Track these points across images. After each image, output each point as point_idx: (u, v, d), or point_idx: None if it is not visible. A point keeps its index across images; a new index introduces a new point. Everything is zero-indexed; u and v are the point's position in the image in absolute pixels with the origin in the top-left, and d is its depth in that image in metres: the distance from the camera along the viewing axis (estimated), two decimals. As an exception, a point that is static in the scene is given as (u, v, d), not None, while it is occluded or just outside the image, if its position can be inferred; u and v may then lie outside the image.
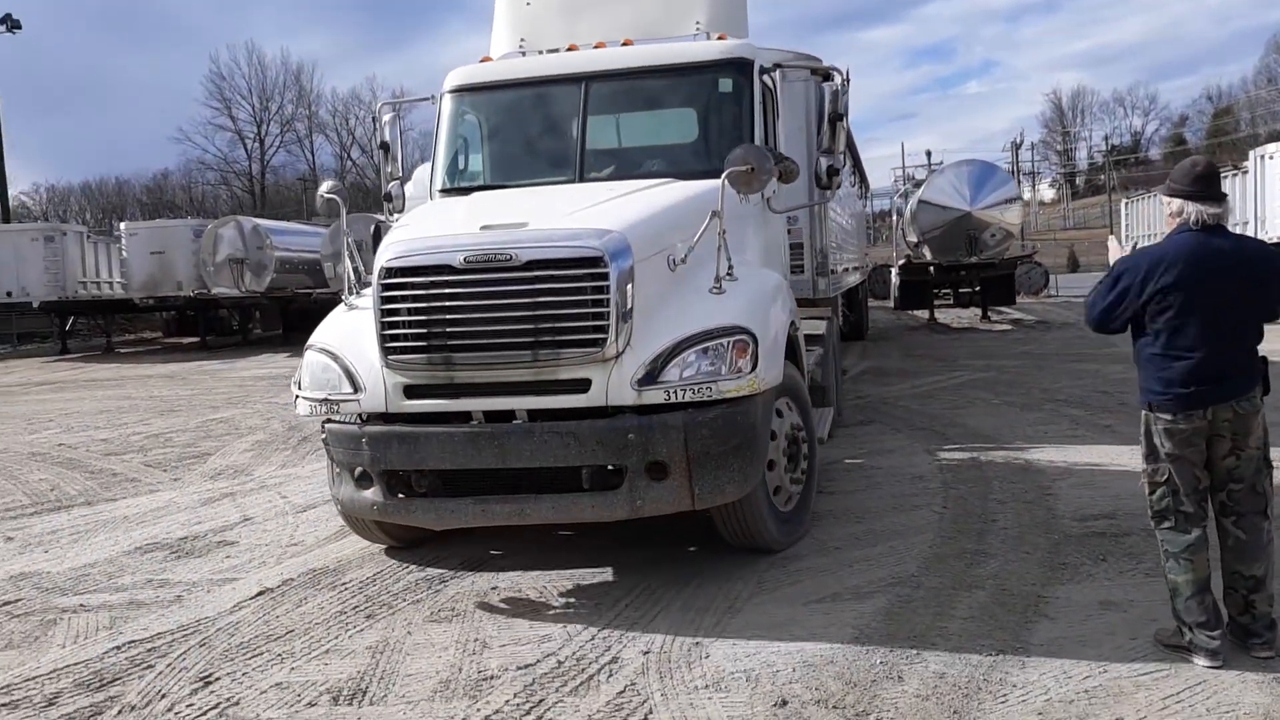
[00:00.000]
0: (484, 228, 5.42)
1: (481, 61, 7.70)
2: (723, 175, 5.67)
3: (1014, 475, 7.81)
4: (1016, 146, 74.59)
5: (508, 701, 4.19)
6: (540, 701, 4.18)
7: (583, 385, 5.24)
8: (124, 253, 27.38)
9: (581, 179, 6.76)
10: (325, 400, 5.62)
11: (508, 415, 5.32)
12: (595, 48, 7.38)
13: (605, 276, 5.14)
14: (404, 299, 5.31)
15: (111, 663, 4.85)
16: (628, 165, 7.00)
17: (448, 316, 5.24)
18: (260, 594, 5.78)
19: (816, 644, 4.61)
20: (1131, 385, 12.10)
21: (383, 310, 5.33)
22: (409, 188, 7.85)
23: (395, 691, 4.36)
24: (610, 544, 6.33)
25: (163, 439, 11.80)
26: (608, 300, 5.14)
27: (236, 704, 4.32)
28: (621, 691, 4.22)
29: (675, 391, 5.19)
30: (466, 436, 5.27)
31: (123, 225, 29.91)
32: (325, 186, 6.55)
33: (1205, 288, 4.13)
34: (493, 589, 5.65)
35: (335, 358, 5.66)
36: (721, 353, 5.27)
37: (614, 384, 5.20)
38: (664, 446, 5.12)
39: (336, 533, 7.04)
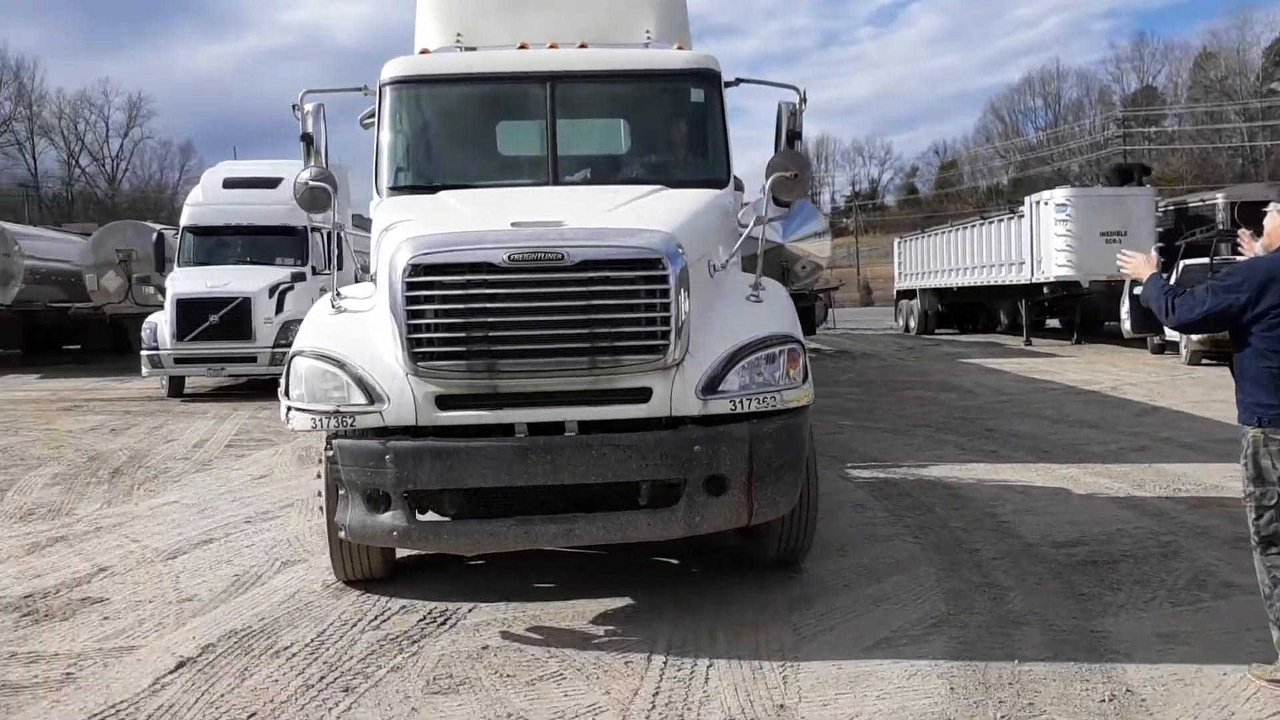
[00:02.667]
0: (515, 224, 4.92)
1: (421, 54, 6.95)
2: (767, 180, 5.52)
3: (949, 500, 7.63)
4: (773, 188, 78.23)
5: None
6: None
7: (643, 394, 4.87)
8: None
9: (556, 182, 6.29)
10: (335, 413, 4.86)
11: (553, 427, 4.84)
12: (550, 48, 6.78)
13: (665, 279, 4.79)
14: (435, 299, 4.73)
15: (18, 775, 3.60)
16: (603, 170, 6.69)
17: (490, 320, 4.72)
18: (181, 666, 4.57)
19: (919, 701, 4.06)
20: (984, 412, 12.52)
21: (409, 312, 4.72)
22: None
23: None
24: (573, 571, 5.62)
25: (-74, 473, 9.73)
26: (669, 304, 4.78)
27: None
28: (742, 772, 3.50)
29: (741, 401, 4.92)
30: (515, 451, 4.73)
31: None
32: (309, 173, 5.54)
33: None
34: (483, 649, 4.72)
35: (340, 364, 4.92)
36: (777, 361, 5.06)
37: (677, 393, 4.87)
38: (728, 459, 4.81)
39: (232, 584, 5.85)
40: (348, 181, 20.68)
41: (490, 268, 4.69)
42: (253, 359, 15.93)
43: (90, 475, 9.48)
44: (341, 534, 5.04)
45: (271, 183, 17.78)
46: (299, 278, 16.64)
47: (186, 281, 16.13)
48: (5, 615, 5.36)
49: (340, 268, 18.87)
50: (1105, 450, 9.77)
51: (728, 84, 6.79)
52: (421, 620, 5.11)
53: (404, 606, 5.32)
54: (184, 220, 17.36)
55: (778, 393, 4.99)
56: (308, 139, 6.43)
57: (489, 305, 4.72)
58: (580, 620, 5.09)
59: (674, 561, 6.16)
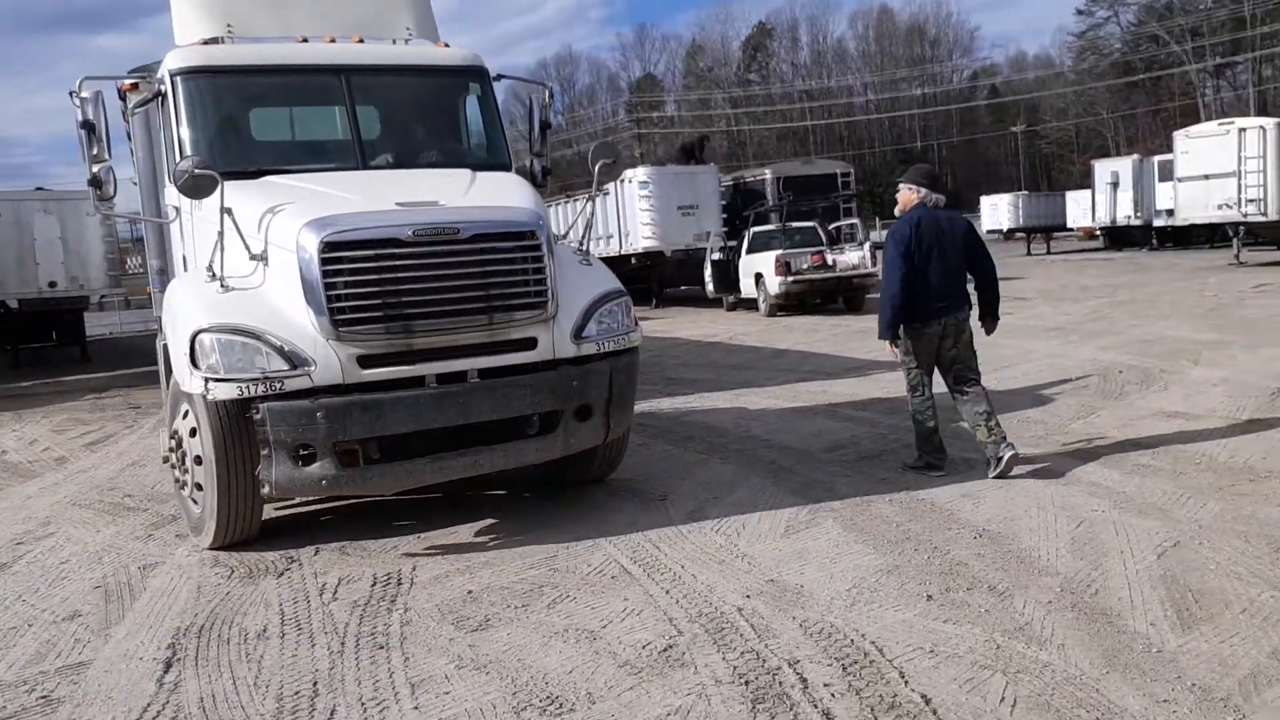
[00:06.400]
0: (401, 205, 5.72)
1: (205, 43, 7.01)
2: (595, 165, 6.74)
3: (707, 431, 8.74)
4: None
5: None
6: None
7: (530, 343, 5.86)
8: None
9: (364, 166, 6.82)
10: (263, 379, 5.30)
11: (458, 376, 5.64)
12: (329, 41, 7.20)
13: (539, 247, 5.83)
14: (348, 272, 5.42)
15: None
16: (404, 156, 7.20)
17: (402, 287, 5.49)
18: (170, 667, 4.31)
19: (864, 559, 5.11)
20: (648, 365, 13.85)
21: (326, 285, 5.39)
22: None
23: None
24: (423, 514, 6.07)
25: None
26: (543, 267, 5.83)
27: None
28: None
29: (603, 343, 6.09)
30: (432, 398, 5.51)
31: None
32: (190, 161, 5.70)
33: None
34: (469, 593, 4.98)
35: (258, 336, 5.40)
36: (619, 311, 6.28)
37: (557, 340, 5.94)
38: (595, 390, 5.93)
39: (106, 597, 5.36)
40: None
41: (397, 243, 5.47)
42: None
43: None
44: (265, 490, 5.50)
45: None
46: None
47: None
48: None
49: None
50: (776, 382, 11.54)
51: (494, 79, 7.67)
52: (375, 585, 5.19)
53: (340, 579, 5.32)
54: None
55: (625, 335, 6.23)
56: (89, 126, 6.46)
57: (399, 275, 5.49)
58: (515, 559, 5.48)
59: (502, 492, 7.08)
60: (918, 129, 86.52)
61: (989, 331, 7.05)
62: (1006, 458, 6.36)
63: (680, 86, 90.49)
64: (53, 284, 20.34)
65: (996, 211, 45.44)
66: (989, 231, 46.93)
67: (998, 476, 6.36)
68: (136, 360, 19.49)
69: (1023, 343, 13.26)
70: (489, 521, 6.29)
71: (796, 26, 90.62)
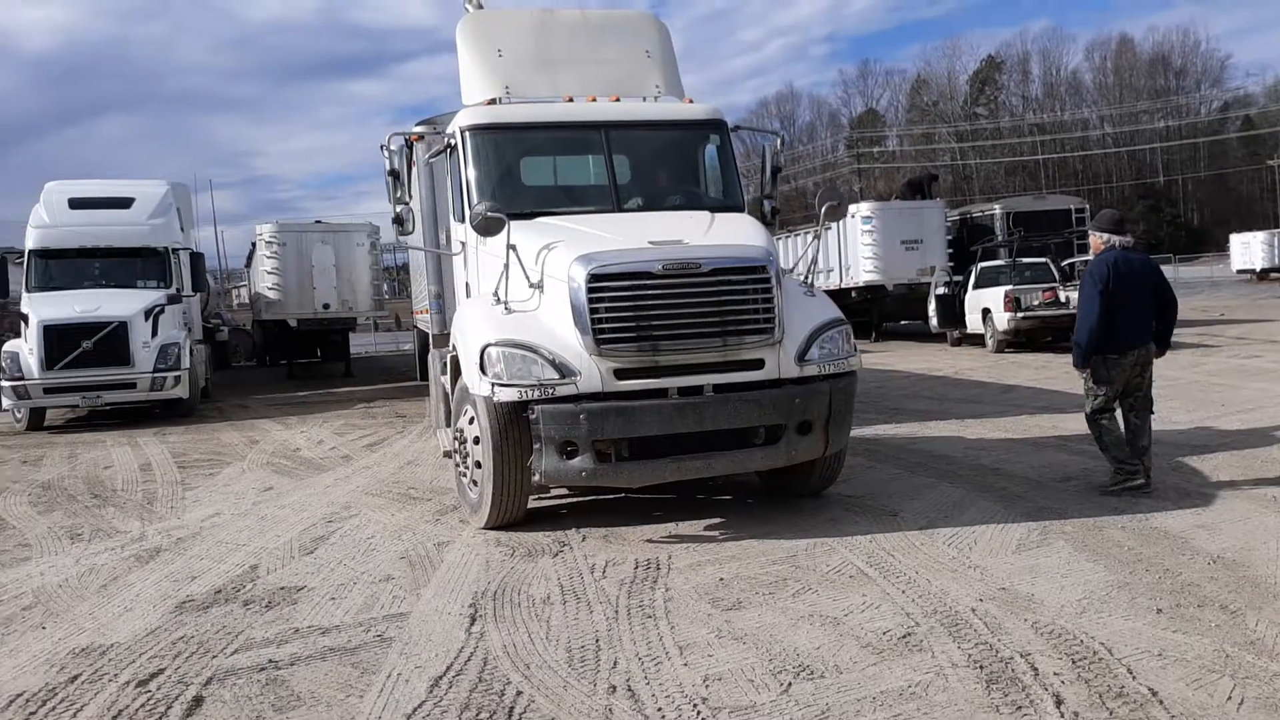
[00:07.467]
0: (653, 243, 6.59)
1: (489, 103, 8.23)
2: (821, 207, 7.40)
3: (935, 458, 9.05)
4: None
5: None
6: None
7: (758, 364, 6.60)
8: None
9: (618, 209, 7.68)
10: (538, 385, 6.28)
11: (695, 390, 6.42)
12: (589, 101, 8.25)
13: (769, 280, 6.60)
14: (609, 299, 6.35)
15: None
16: (652, 199, 8.03)
17: (652, 312, 6.38)
18: (473, 621, 5.14)
19: (1097, 575, 5.38)
20: (872, 395, 14.24)
21: (592, 309, 6.32)
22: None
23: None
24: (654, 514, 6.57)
25: None
26: (772, 298, 6.59)
27: None
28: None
29: (824, 365, 6.77)
30: (674, 407, 6.33)
31: None
32: (484, 205, 6.78)
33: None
34: (720, 580, 5.61)
35: (534, 350, 6.38)
36: (839, 338, 6.93)
37: (782, 362, 6.66)
38: (815, 408, 6.60)
39: (411, 565, 6.31)
40: (191, 200, 20.09)
41: (649, 275, 6.39)
42: (132, 385, 15.30)
43: (91, 496, 9.25)
44: (536, 477, 6.51)
45: (124, 202, 17.18)
46: (174, 300, 16.16)
47: (51, 306, 15.28)
48: (231, 605, 5.62)
49: (204, 289, 18.89)
50: (1006, 416, 11.60)
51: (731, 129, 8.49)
52: (637, 568, 5.90)
53: (608, 561, 6.07)
54: (31, 243, 16.31)
55: (845, 359, 6.86)
56: (394, 174, 7.73)
57: (650, 302, 6.39)
58: (759, 554, 6.06)
59: (728, 497, 7.78)
60: (1160, 163, 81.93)
61: (1158, 356, 7.56)
62: (1138, 484, 7.18)
63: (903, 121, 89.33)
64: (326, 306, 22.75)
65: (1249, 250, 42.52)
66: (1239, 271, 44.02)
67: (1108, 491, 7.24)
68: (393, 377, 21.47)
69: (1271, 386, 12.72)
70: (719, 520, 6.99)
71: (1028, 59, 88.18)
